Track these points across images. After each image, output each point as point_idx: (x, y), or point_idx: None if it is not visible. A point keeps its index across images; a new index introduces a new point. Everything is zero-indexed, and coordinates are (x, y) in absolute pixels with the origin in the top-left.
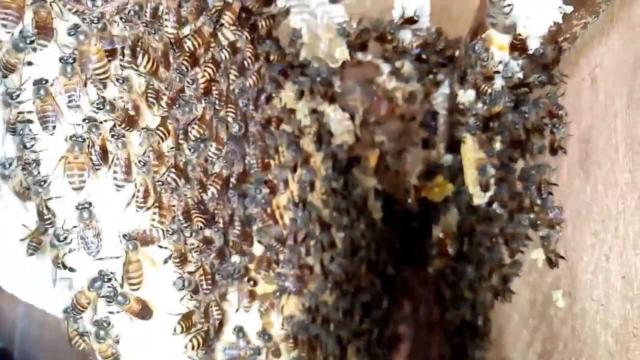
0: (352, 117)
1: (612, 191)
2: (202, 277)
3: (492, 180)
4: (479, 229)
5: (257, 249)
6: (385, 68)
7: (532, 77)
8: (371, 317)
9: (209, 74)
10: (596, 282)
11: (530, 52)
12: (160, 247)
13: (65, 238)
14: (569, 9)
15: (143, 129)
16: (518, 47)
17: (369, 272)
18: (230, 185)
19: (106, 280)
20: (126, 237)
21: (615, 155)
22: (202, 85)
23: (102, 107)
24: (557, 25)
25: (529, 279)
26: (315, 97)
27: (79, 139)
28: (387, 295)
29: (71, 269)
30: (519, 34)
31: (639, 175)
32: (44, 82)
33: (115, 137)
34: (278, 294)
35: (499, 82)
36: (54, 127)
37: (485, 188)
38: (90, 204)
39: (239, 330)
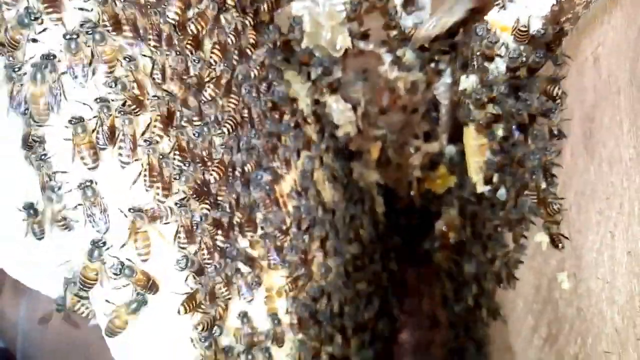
0: (355, 108)
1: (616, 168)
2: (206, 253)
3: (494, 167)
4: (482, 216)
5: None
6: (387, 57)
7: (530, 57)
8: (374, 308)
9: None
10: (601, 260)
11: (532, 33)
12: (167, 223)
13: (60, 188)
14: None
15: (154, 96)
16: (522, 36)
17: (371, 264)
18: (237, 172)
19: (101, 246)
20: (131, 210)
21: (619, 131)
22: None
23: (113, 86)
24: (560, 4)
25: (533, 264)
26: (317, 87)
27: (80, 120)
28: (389, 288)
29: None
30: (524, 26)
31: None
32: (51, 57)
33: (122, 113)
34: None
35: (500, 65)
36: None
37: (488, 181)
38: (92, 181)
39: (244, 316)
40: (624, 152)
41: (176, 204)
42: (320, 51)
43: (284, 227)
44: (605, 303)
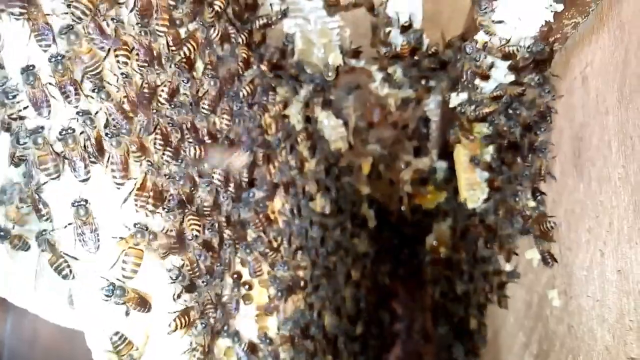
0: (346, 124)
1: (605, 187)
2: (192, 269)
3: (485, 184)
4: (473, 233)
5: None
6: (378, 74)
7: (527, 77)
8: (364, 320)
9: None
10: (591, 278)
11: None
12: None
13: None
14: (560, 7)
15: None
16: (509, 56)
17: (363, 278)
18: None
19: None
20: (136, 225)
21: (608, 151)
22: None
23: (97, 91)
24: (548, 24)
25: (524, 280)
26: (308, 103)
27: (70, 131)
28: (380, 301)
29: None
30: (513, 50)
31: (631, 169)
32: (31, 68)
33: (110, 136)
34: (280, 294)
35: (491, 84)
36: (49, 111)
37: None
38: (86, 201)
39: (234, 335)
40: (613, 171)
41: (164, 208)
42: (311, 68)
43: (275, 244)
44: (596, 321)
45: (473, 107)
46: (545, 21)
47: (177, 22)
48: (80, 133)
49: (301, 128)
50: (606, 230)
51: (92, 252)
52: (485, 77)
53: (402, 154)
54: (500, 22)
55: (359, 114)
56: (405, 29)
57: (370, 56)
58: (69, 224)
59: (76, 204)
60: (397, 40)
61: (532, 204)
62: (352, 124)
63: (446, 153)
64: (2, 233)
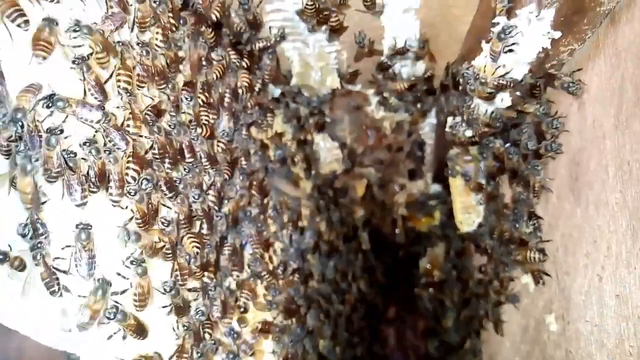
0: (342, 146)
1: (603, 211)
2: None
3: (481, 208)
4: (466, 258)
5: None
6: (374, 98)
7: (532, 107)
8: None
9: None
10: (590, 302)
11: (518, 79)
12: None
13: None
14: (557, 34)
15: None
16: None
17: (357, 302)
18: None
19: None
20: (134, 263)
21: (605, 175)
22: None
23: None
24: (545, 51)
25: (520, 304)
26: (304, 126)
27: (72, 155)
28: (372, 325)
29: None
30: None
31: (629, 194)
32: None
33: (107, 152)
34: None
35: (485, 107)
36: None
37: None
38: (90, 226)
39: (234, 357)
40: (610, 196)
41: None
42: (308, 91)
43: (271, 267)
44: (594, 346)
45: (468, 128)
46: (543, 48)
47: (178, 43)
48: (83, 159)
49: (296, 149)
50: (604, 254)
51: (86, 279)
52: (489, 98)
53: (396, 176)
54: (510, 51)
55: (354, 137)
56: (400, 53)
57: (366, 80)
58: (67, 246)
59: (81, 226)
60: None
61: (527, 229)
62: (348, 146)
63: (441, 176)
64: (0, 256)
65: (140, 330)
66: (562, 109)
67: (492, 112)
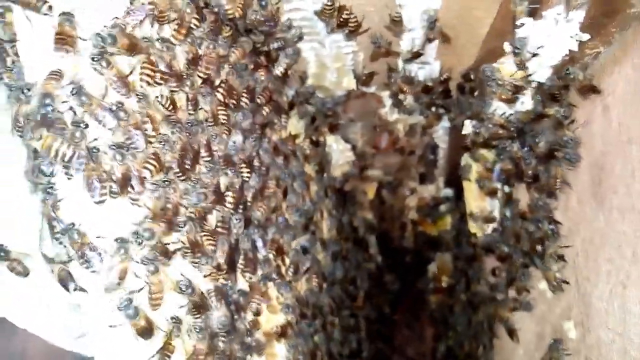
0: (354, 148)
1: (628, 216)
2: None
3: (497, 213)
4: (478, 263)
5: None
6: (388, 100)
7: (553, 109)
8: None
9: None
10: (612, 309)
11: (542, 81)
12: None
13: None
14: (586, 36)
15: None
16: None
17: (365, 304)
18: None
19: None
20: (144, 262)
21: (631, 180)
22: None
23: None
24: (570, 54)
25: (535, 311)
26: (318, 127)
27: (94, 150)
28: (380, 333)
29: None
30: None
31: None
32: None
33: (126, 150)
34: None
35: (504, 110)
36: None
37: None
38: (73, 224)
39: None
40: (637, 200)
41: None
42: (323, 92)
43: (283, 269)
44: (617, 354)
45: (485, 129)
46: (570, 50)
47: (198, 41)
48: (98, 151)
49: (310, 150)
50: (629, 261)
51: (98, 271)
52: (510, 101)
53: (407, 180)
54: (535, 55)
55: (366, 139)
56: (417, 55)
57: (381, 82)
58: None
59: (66, 230)
60: (412, 67)
61: (546, 235)
62: (359, 149)
63: (453, 180)
64: (2, 253)
65: (147, 331)
66: (585, 113)
67: (510, 115)
